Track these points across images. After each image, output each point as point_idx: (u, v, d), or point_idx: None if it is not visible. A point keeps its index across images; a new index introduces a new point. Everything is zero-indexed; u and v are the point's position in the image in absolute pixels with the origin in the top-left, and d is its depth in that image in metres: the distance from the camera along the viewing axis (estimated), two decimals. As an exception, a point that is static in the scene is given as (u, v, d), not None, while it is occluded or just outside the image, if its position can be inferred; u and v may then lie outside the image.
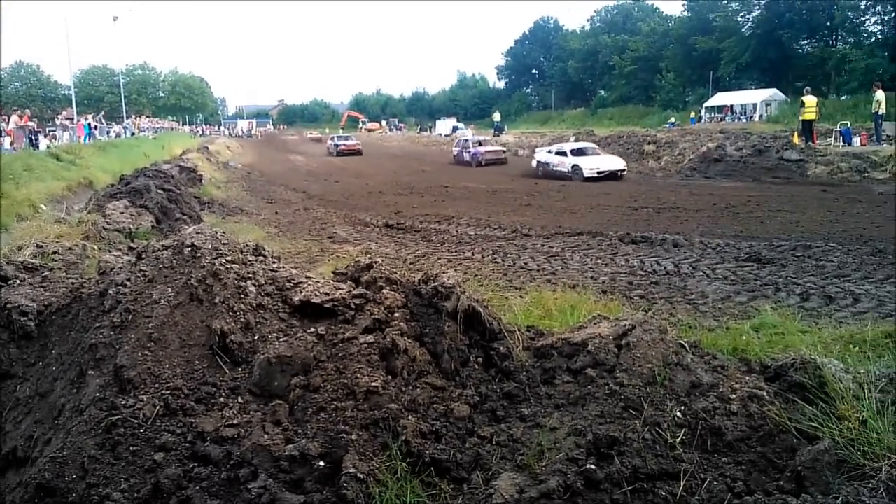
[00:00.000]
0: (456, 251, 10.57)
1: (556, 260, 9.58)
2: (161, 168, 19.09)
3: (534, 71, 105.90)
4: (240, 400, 3.23)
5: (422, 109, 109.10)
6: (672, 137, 30.93)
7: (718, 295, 7.23)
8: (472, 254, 10.31)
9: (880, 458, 2.48)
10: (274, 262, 4.26)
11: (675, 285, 7.79)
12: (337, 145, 43.52)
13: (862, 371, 3.29)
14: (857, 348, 4.11)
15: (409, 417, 3.11)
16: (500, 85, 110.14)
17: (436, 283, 3.88)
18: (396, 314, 3.75)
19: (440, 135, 62.26)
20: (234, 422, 3.06)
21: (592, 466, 2.76)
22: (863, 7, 55.61)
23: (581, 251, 10.12)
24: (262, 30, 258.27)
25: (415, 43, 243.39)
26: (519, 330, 4.01)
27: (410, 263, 9.38)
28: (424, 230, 12.71)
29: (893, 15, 52.41)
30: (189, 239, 4.11)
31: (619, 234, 11.02)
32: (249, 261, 4.07)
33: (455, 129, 63.51)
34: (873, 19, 56.04)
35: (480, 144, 33.29)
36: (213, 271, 3.77)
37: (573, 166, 23.25)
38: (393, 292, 3.92)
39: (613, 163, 23.64)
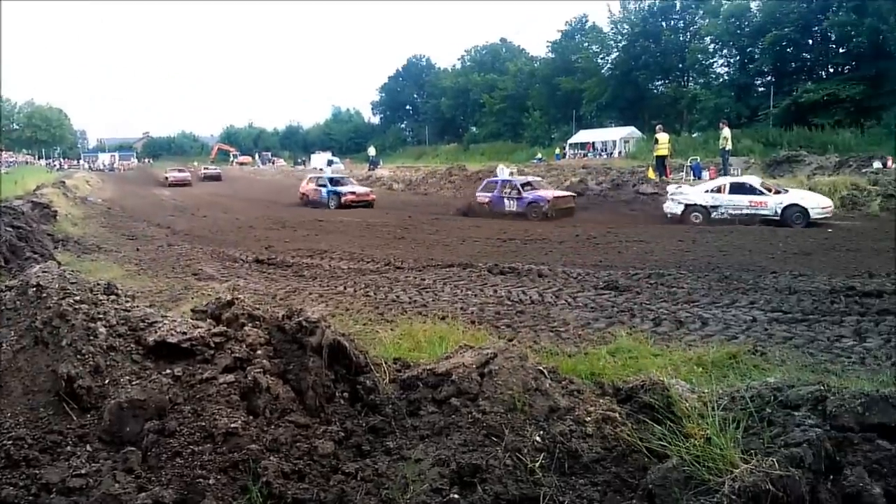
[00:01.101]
0: (328, 285, 10.46)
1: (427, 292, 9.69)
2: (11, 204, 17.73)
3: (408, 107, 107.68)
4: (88, 448, 3.03)
5: (296, 143, 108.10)
6: (539, 172, 32.31)
7: (579, 322, 7.56)
8: (345, 288, 10.24)
9: (723, 473, 2.61)
10: (127, 302, 4.06)
11: (540, 314, 8.07)
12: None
13: (706, 390, 3.49)
14: (701, 369, 4.39)
15: (271, 458, 3.03)
16: (375, 120, 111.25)
17: (300, 318, 3.83)
18: (259, 351, 3.67)
19: (315, 168, 61.81)
20: (83, 471, 2.87)
21: (455, 496, 2.80)
22: (711, 51, 60.73)
23: (452, 283, 10.30)
24: (126, 59, 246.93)
25: (289, 76, 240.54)
26: (386, 363, 4.02)
27: (280, 299, 9.19)
28: (296, 265, 12.51)
29: (738, 58, 57.47)
30: (34, 278, 3.85)
31: (489, 266, 11.30)
32: (100, 300, 3.86)
33: (330, 162, 63.31)
34: (720, 62, 61.55)
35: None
36: (60, 312, 3.55)
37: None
38: (255, 329, 3.83)
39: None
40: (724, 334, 6.97)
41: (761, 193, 18.21)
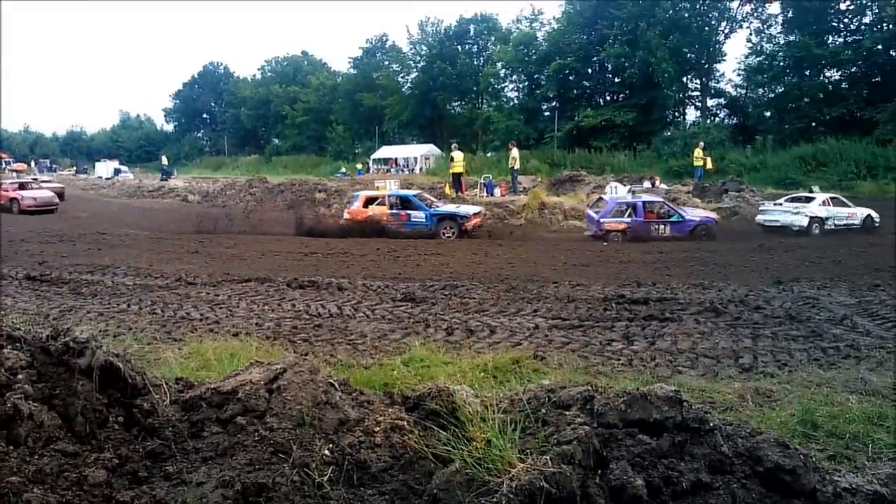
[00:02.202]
0: (109, 303, 9.70)
1: (221, 308, 9.30)
2: None
3: (205, 115, 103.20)
4: None
5: (79, 150, 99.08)
6: (342, 186, 32.33)
7: (376, 333, 7.64)
8: (128, 305, 9.55)
9: (502, 474, 2.70)
10: None
11: (338, 327, 8.06)
12: None
13: (489, 394, 3.61)
14: (485, 374, 4.60)
15: (35, 490, 2.75)
16: (169, 127, 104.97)
17: (67, 339, 3.51)
18: (20, 376, 3.31)
19: (100, 177, 57.09)
20: None
21: (239, 518, 2.70)
22: (502, 76, 64.20)
23: (248, 298, 9.97)
24: None
25: (70, 78, 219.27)
26: (166, 383, 3.79)
27: (53, 319, 8.37)
28: (74, 281, 11.45)
29: (526, 84, 61.28)
30: None
31: (287, 280, 11.10)
32: None
33: (117, 171, 58.87)
34: (511, 86, 65.10)
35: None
36: None
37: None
38: (16, 351, 3.46)
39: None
40: (510, 341, 7.36)
41: (850, 206, 20.50)
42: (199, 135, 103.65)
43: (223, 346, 5.78)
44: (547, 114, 58.91)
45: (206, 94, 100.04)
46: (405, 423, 3.45)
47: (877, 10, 43.33)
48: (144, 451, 3.27)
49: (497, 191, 28.56)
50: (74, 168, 75.28)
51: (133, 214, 27.35)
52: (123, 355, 3.68)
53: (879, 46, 42.56)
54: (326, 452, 3.15)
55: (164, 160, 55.31)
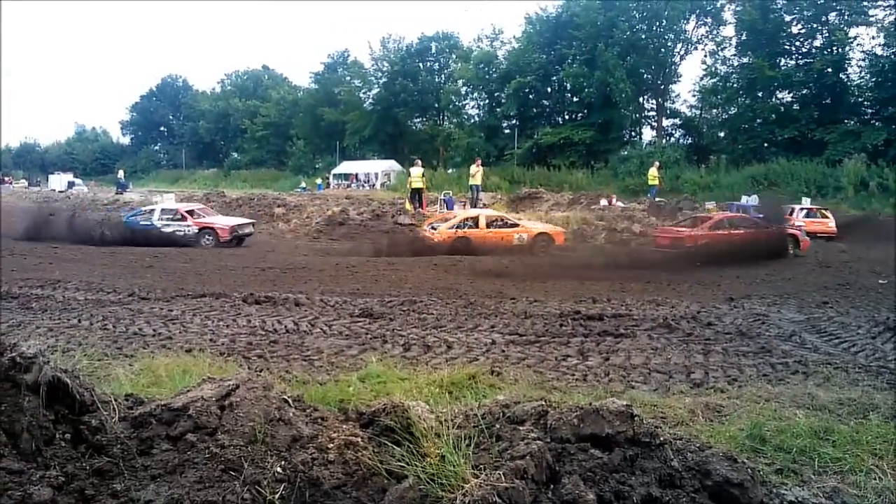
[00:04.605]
0: (60, 319, 9.46)
1: (174, 324, 9.13)
2: None
3: (162, 128, 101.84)
4: None
5: (32, 163, 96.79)
6: (302, 201, 32.15)
7: (332, 349, 7.56)
8: (79, 321, 9.32)
9: (455, 489, 2.69)
10: None
11: (294, 343, 7.96)
12: None
13: (444, 410, 3.58)
14: (439, 390, 4.60)
15: (-26, 509, 2.68)
16: (125, 140, 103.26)
17: (13, 354, 3.43)
18: (-38, 395, 3.23)
19: (53, 191, 55.86)
20: None
21: (187, 536, 2.66)
22: (463, 93, 64.83)
23: (203, 313, 9.81)
24: None
25: (24, 89, 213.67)
26: (116, 400, 3.72)
27: (1, 334, 8.11)
28: (24, 296, 11.13)
29: (487, 102, 61.94)
30: None
31: (244, 295, 10.95)
32: None
33: (71, 184, 57.72)
34: (472, 104, 65.75)
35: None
36: None
37: None
38: (-43, 369, 3.37)
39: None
40: (467, 356, 7.35)
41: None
42: (157, 148, 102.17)
43: (175, 363, 5.68)
44: (507, 131, 59.57)
45: (165, 107, 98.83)
46: (359, 439, 3.43)
47: (827, 34, 45.00)
48: (92, 469, 3.21)
49: (458, 207, 28.73)
50: (27, 181, 73.39)
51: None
52: (72, 371, 3.60)
53: (829, 69, 44.15)
54: (278, 470, 3.12)
55: (121, 173, 54.34)
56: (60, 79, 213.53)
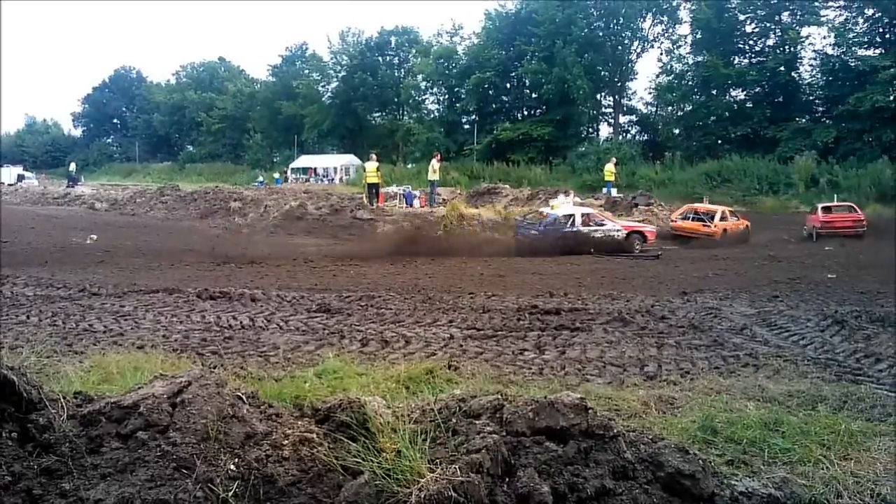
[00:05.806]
0: (6, 315, 9.19)
1: (126, 320, 8.95)
2: None
3: (115, 121, 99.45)
4: None
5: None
6: (259, 195, 31.71)
7: (289, 345, 7.50)
8: (28, 317, 9.08)
9: (411, 484, 2.70)
10: None
11: (249, 339, 7.88)
12: None
13: (401, 405, 3.59)
14: (396, 385, 4.59)
15: (-85, 513, 2.60)
16: (77, 133, 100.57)
17: (-46, 353, 3.33)
18: None
19: (2, 183, 54.25)
20: None
21: (138, 536, 2.61)
22: (423, 88, 64.59)
23: (155, 309, 9.63)
24: None
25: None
26: (64, 398, 3.63)
27: (-58, 333, 7.87)
28: (-33, 293, 10.81)
29: (447, 97, 61.79)
30: None
31: (198, 291, 10.78)
32: None
33: (21, 177, 56.09)
34: (432, 99, 65.51)
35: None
36: None
37: None
38: None
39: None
40: (425, 351, 7.36)
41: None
42: (109, 141, 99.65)
43: (127, 359, 5.57)
44: (466, 127, 59.71)
45: (118, 99, 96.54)
46: (314, 435, 3.40)
47: (780, 33, 46.02)
48: (39, 468, 3.13)
49: (417, 202, 28.71)
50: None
51: (37, 222, 25.91)
52: (19, 368, 3.51)
53: (782, 67, 45.17)
54: (232, 467, 3.08)
55: (72, 166, 53.15)
56: (9, 69, 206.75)
